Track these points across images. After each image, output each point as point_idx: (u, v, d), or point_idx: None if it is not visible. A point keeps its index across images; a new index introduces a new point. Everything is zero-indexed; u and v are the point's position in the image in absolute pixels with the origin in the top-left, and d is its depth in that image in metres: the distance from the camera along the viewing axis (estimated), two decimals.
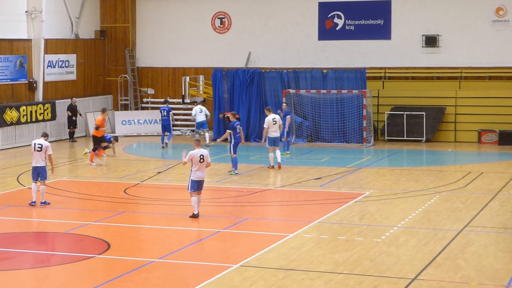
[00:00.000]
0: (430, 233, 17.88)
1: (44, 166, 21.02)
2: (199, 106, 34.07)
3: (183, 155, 19.61)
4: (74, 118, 35.69)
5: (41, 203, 21.06)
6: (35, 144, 21.06)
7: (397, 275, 14.64)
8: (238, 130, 26.03)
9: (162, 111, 33.48)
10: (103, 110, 29.93)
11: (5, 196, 22.77)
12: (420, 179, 25.06)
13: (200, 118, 33.23)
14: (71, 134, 35.77)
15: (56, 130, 35.87)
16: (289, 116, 30.70)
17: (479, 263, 15.45)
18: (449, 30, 35.22)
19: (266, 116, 27.30)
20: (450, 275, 14.68)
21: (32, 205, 21.03)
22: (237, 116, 28.34)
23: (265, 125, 27.05)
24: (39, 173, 20.99)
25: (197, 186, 19.36)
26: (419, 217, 19.55)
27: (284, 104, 31.53)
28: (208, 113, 33.72)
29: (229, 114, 28.02)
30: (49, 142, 21.63)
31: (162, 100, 38.24)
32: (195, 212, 19.45)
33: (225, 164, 27.49)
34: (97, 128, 28.90)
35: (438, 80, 35.31)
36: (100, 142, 28.94)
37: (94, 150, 28.80)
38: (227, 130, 26.29)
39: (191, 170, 19.36)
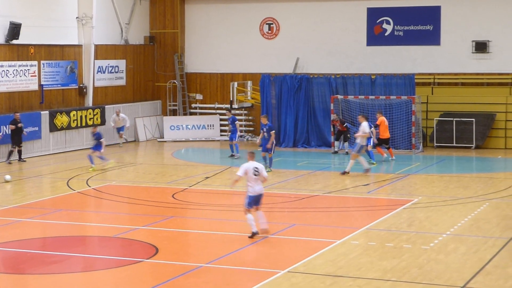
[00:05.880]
0: (480, 240, 17.68)
1: None
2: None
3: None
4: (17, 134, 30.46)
5: None
6: None
7: (446, 283, 14.51)
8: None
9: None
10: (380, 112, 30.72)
11: (55, 200, 23.07)
12: (469, 186, 24.80)
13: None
14: (19, 153, 30.69)
15: (106, 135, 36.04)
16: (373, 128, 29.08)
17: None
18: (500, 35, 34.80)
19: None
20: (500, 283, 14.51)
21: None
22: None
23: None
24: None
25: (254, 201, 18.10)
26: (468, 225, 19.35)
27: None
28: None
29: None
30: None
31: (211, 105, 38.63)
32: (254, 230, 17.92)
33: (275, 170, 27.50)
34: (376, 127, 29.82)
35: (488, 86, 34.90)
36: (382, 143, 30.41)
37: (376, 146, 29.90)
38: (271, 132, 27.60)
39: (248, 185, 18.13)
